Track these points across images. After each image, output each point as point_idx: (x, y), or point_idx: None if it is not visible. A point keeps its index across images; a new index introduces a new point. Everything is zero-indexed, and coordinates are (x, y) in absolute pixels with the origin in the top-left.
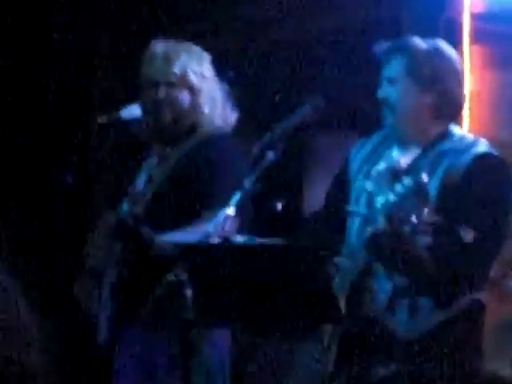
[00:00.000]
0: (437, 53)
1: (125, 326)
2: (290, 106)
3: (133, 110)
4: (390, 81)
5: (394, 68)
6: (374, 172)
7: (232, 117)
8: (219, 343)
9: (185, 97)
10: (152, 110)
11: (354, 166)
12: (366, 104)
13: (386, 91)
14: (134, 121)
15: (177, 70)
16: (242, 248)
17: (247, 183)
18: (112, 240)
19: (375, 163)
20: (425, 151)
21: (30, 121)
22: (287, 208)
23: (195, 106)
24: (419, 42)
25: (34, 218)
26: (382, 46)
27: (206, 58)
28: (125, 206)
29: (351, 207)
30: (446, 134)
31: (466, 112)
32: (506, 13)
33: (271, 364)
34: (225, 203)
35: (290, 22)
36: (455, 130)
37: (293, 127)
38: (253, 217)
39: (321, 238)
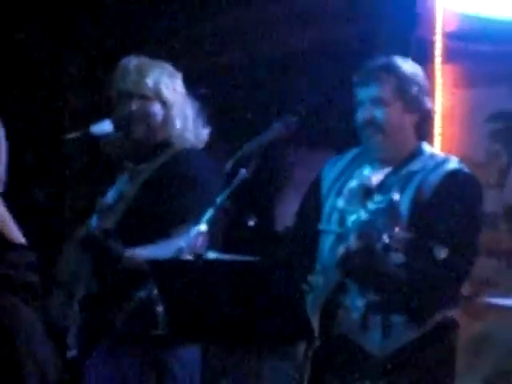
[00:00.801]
0: (419, 73)
1: (94, 342)
2: (262, 123)
3: (104, 126)
4: (377, 101)
5: (382, 89)
6: (345, 190)
7: (204, 133)
8: (189, 361)
9: (157, 110)
10: (124, 122)
11: (326, 183)
12: (338, 122)
13: (372, 112)
14: (105, 136)
15: (150, 82)
16: (214, 264)
17: (219, 200)
18: (81, 254)
19: (347, 181)
20: (396, 169)
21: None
22: (259, 225)
23: (167, 120)
24: (403, 63)
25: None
26: (366, 66)
27: (178, 74)
28: (94, 221)
29: (323, 225)
30: (417, 152)
31: (437, 130)
32: (477, 31)
33: (243, 382)
34: (196, 219)
35: (263, 38)
36: (426, 147)
37: (265, 144)
38: (224, 233)
39: (293, 255)
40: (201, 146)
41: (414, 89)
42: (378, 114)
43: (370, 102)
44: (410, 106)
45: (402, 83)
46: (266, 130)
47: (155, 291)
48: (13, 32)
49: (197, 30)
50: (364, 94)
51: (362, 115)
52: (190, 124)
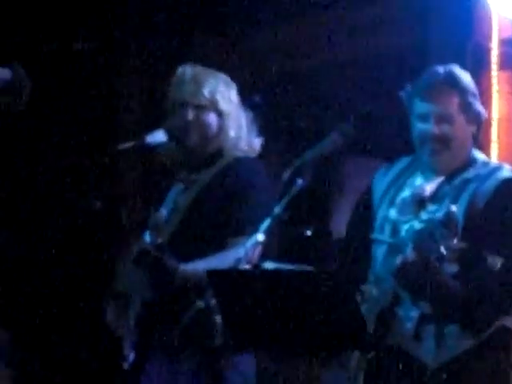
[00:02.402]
0: (473, 83)
1: (151, 354)
2: (318, 132)
3: (158, 135)
4: (443, 117)
5: (447, 105)
6: (398, 199)
7: (257, 142)
8: (245, 370)
9: (212, 120)
10: (180, 131)
11: (377, 193)
12: (390, 131)
13: (439, 128)
14: (159, 146)
15: (206, 92)
16: (271, 274)
17: (277, 210)
18: (137, 268)
19: (399, 190)
20: (449, 178)
21: (60, 146)
22: (316, 234)
23: (222, 129)
24: (462, 74)
25: (63, 244)
26: (426, 79)
27: (232, 84)
28: (148, 236)
29: (376, 235)
30: (470, 161)
31: (493, 138)
32: None
33: None
34: (252, 229)
35: (317, 49)
36: (478, 156)
37: (322, 154)
38: (281, 243)
39: (345, 264)
40: (254, 154)
41: (475, 101)
42: (445, 129)
43: (436, 118)
44: (472, 118)
45: (465, 97)
46: (324, 140)
47: (213, 301)
48: (71, 42)
49: (252, 40)
50: (428, 108)
51: (427, 129)
52: (244, 133)
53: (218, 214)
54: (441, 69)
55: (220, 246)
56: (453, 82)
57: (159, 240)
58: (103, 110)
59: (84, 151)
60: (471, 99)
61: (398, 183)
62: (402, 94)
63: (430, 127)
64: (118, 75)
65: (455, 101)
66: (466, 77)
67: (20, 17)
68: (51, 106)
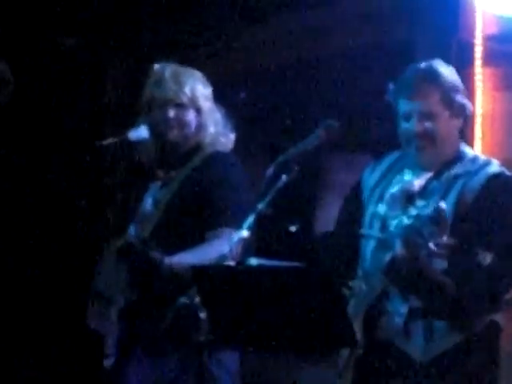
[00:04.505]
0: (456, 77)
1: (134, 351)
2: (303, 128)
3: (140, 132)
4: (426, 115)
5: (429, 102)
6: (387, 195)
7: (232, 138)
8: (229, 366)
9: (192, 118)
10: (161, 129)
11: (366, 188)
12: (378, 126)
13: (422, 125)
14: (140, 142)
15: (187, 90)
16: (256, 270)
17: (261, 205)
18: (120, 264)
19: (388, 186)
20: (438, 174)
21: (44, 142)
22: (300, 230)
23: (201, 126)
24: (444, 69)
25: (48, 242)
26: (407, 77)
27: (208, 81)
28: (131, 230)
29: (365, 230)
30: (458, 156)
31: (478, 134)
32: None
33: None
34: (230, 220)
35: (304, 44)
36: (467, 150)
37: (306, 150)
38: (265, 239)
39: (333, 260)
40: (228, 149)
41: (458, 95)
42: (428, 126)
43: (419, 116)
44: (456, 112)
45: (447, 92)
46: (309, 136)
47: (197, 297)
48: (56, 36)
49: (235, 35)
50: (410, 107)
51: (410, 128)
52: (221, 129)
53: (198, 206)
54: (421, 65)
55: (200, 238)
56: (433, 78)
57: (143, 233)
58: (88, 107)
59: (69, 148)
60: (453, 93)
61: (386, 179)
62: (386, 95)
63: (413, 125)
64: (102, 72)
65: (437, 96)
66: (447, 71)
67: (4, 12)
68: (35, 103)
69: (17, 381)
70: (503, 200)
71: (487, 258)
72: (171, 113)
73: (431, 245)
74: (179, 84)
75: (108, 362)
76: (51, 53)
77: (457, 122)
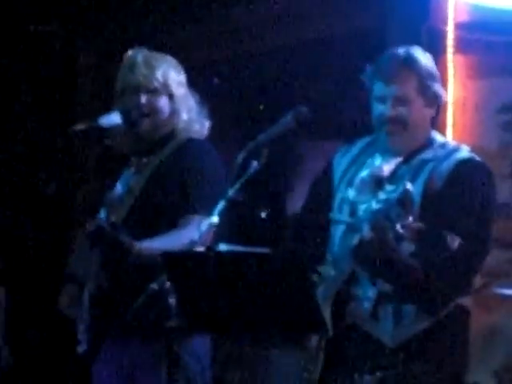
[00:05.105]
0: (433, 65)
1: (105, 337)
2: (274, 114)
3: (112, 118)
4: (400, 99)
5: (405, 87)
6: (356, 180)
7: (206, 124)
8: (200, 351)
9: (165, 103)
10: (133, 115)
11: (337, 172)
12: (349, 112)
13: (396, 109)
14: (111, 128)
15: (159, 76)
16: (226, 256)
17: (231, 192)
18: (91, 249)
19: (358, 171)
20: (407, 159)
21: (14, 129)
22: (271, 216)
23: (174, 112)
24: (422, 56)
25: (18, 227)
26: (385, 61)
27: (181, 67)
28: (102, 214)
29: (334, 215)
30: (428, 142)
31: (450, 121)
32: (488, 22)
33: (254, 373)
34: (203, 208)
35: (276, 29)
36: (437, 137)
37: (276, 136)
38: (236, 225)
39: (302, 245)
40: (203, 136)
41: (433, 83)
42: (403, 111)
43: (393, 100)
44: (430, 100)
45: (423, 80)
46: (278, 122)
47: (167, 283)
48: (28, 23)
49: (209, 21)
50: (386, 91)
51: (384, 111)
52: (195, 115)
53: (170, 193)
54: (400, 51)
55: (172, 225)
56: (411, 64)
57: (113, 218)
58: (59, 93)
59: (39, 133)
60: (429, 82)
61: (357, 163)
62: (363, 76)
63: (387, 109)
64: (74, 58)
65: (413, 83)
66: (425, 59)
67: None
68: (6, 88)
69: None
70: (471, 185)
71: (455, 242)
72: (143, 98)
73: (398, 227)
74: (151, 69)
75: (81, 349)
76: (24, 40)
77: (430, 110)
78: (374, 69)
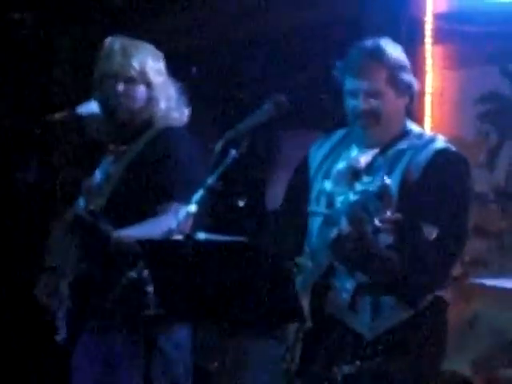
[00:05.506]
0: (402, 55)
1: (84, 325)
2: (253, 103)
3: (90, 106)
4: (371, 93)
5: (375, 81)
6: (333, 171)
7: (186, 112)
8: (179, 340)
9: (142, 92)
10: (110, 103)
11: (313, 164)
12: (327, 102)
13: (367, 103)
14: (89, 117)
15: (136, 64)
16: (204, 244)
17: (210, 180)
18: (70, 237)
19: (334, 162)
20: (384, 150)
21: None
22: (249, 205)
23: (152, 101)
24: (390, 47)
25: None
26: (353, 54)
27: (161, 55)
28: (81, 203)
29: (311, 207)
30: (404, 132)
31: (427, 111)
32: (468, 12)
33: (234, 363)
34: (180, 195)
35: (253, 18)
36: (413, 127)
37: (255, 125)
38: (214, 214)
39: (280, 236)
40: (182, 124)
41: (404, 74)
42: (374, 104)
43: (364, 94)
44: (402, 91)
45: (393, 71)
46: (257, 111)
47: (146, 271)
48: (7, 12)
49: (187, 9)
50: (356, 85)
51: (356, 105)
52: (174, 104)
53: (149, 181)
54: (368, 43)
55: (151, 213)
56: (379, 57)
57: (92, 206)
58: (37, 81)
59: (18, 121)
60: (399, 72)
61: (333, 155)
62: (334, 72)
63: (359, 103)
64: (52, 47)
65: (382, 75)
66: (393, 49)
67: None
68: None
69: None
70: (448, 175)
71: (433, 233)
72: (120, 87)
73: (376, 221)
74: (128, 57)
75: (59, 337)
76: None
77: (402, 100)
78: (344, 63)
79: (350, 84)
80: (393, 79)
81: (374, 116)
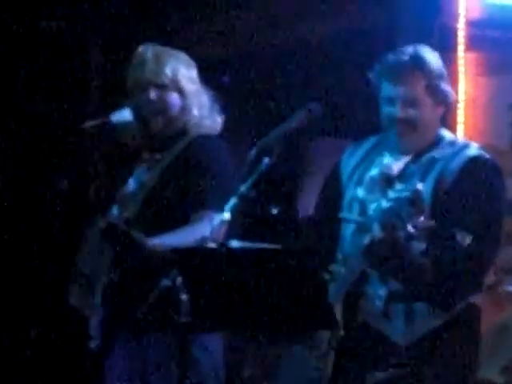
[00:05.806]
0: (441, 64)
1: (118, 333)
2: (286, 111)
3: (123, 114)
4: (409, 101)
5: (414, 88)
6: (366, 178)
7: (219, 120)
8: (212, 348)
9: (175, 100)
10: (144, 111)
11: (346, 171)
12: (359, 110)
13: (405, 111)
14: (123, 125)
15: (168, 72)
16: (237, 252)
17: (243, 188)
18: (103, 245)
19: (367, 169)
20: (417, 157)
21: (26, 126)
22: (282, 213)
23: (185, 109)
24: (430, 56)
25: (30, 223)
26: (392, 60)
27: (193, 63)
28: (114, 211)
29: (344, 214)
30: (438, 140)
31: (460, 119)
32: (500, 19)
33: (267, 370)
34: (214, 204)
35: (288, 27)
36: (446, 134)
37: (288, 133)
38: (247, 221)
39: (313, 243)
40: (216, 132)
41: (442, 83)
42: (411, 113)
43: (402, 102)
44: (440, 100)
45: (432, 80)
46: (290, 118)
47: (179, 279)
48: (39, 19)
49: (220, 18)
50: (394, 92)
51: (393, 113)
52: (207, 112)
53: (182, 189)
54: (408, 50)
55: (184, 221)
56: (419, 65)
57: (126, 214)
58: (69, 89)
59: (50, 130)
60: (438, 81)
61: (365, 162)
62: (370, 75)
63: (396, 110)
64: (83, 54)
65: (421, 83)
66: (433, 58)
67: None
68: (16, 86)
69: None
70: (481, 182)
71: (466, 240)
72: (152, 94)
73: (409, 227)
74: (160, 65)
75: (93, 344)
76: (34, 37)
77: (439, 110)
78: (382, 68)
79: (387, 90)
80: (431, 88)
81: (410, 124)
